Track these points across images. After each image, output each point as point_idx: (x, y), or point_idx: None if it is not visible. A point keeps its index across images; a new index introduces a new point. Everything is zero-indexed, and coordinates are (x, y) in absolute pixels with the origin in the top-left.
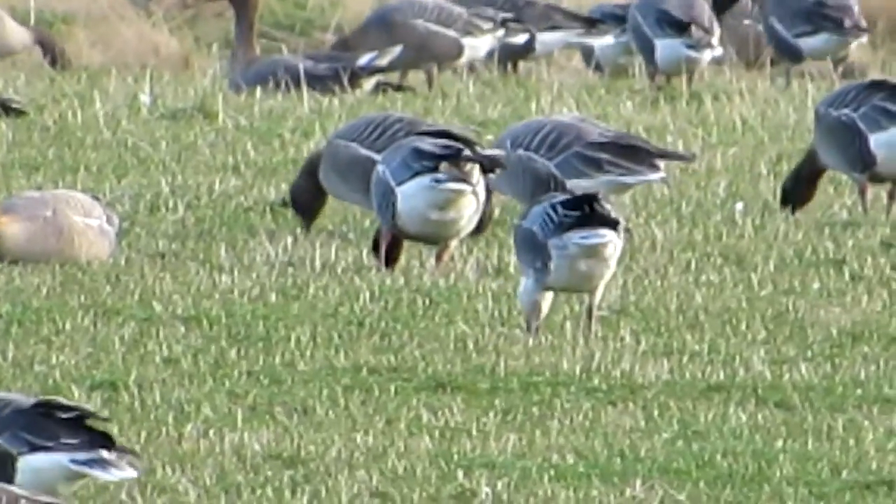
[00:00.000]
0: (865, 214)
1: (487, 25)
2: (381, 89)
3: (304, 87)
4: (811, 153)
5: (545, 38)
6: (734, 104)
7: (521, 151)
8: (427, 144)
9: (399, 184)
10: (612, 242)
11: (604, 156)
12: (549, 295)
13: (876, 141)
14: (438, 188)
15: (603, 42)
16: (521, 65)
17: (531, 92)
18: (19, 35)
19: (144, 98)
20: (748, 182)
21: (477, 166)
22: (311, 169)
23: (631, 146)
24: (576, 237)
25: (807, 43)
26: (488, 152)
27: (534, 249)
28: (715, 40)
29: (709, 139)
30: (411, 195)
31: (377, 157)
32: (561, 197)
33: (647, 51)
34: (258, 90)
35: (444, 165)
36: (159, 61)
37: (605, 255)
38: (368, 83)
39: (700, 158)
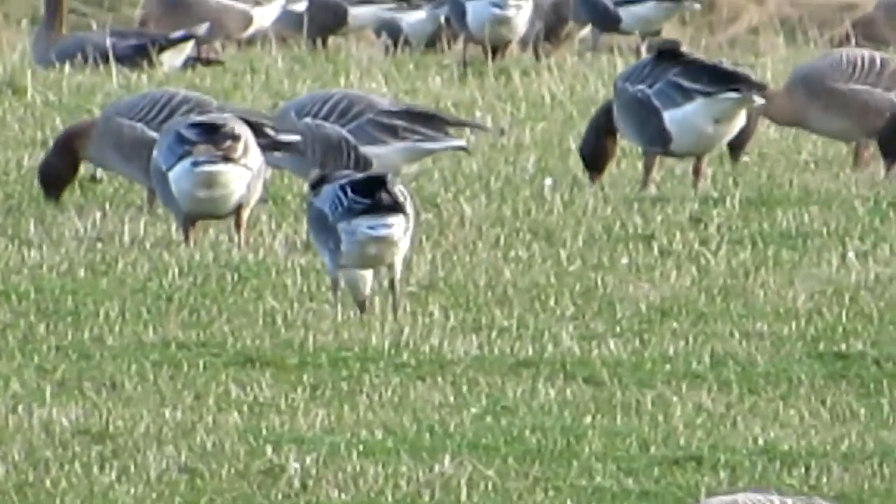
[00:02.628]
0: (644, 188)
1: None
2: (191, 64)
3: (113, 63)
4: (607, 109)
5: (358, 12)
6: (542, 79)
7: (308, 120)
8: (187, 129)
9: (169, 169)
10: (398, 228)
11: (399, 122)
12: (368, 273)
13: (670, 118)
14: (195, 171)
15: (414, 17)
16: (331, 40)
17: (340, 67)
18: None
19: None
20: (557, 157)
21: (240, 142)
22: (64, 145)
23: (425, 114)
24: (363, 226)
25: (630, 11)
26: (282, 138)
27: (325, 230)
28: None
29: (517, 114)
30: (178, 178)
31: None
32: (351, 177)
33: (460, 16)
34: (67, 66)
35: (198, 148)
36: None
37: (393, 240)
38: (178, 58)
39: (509, 134)
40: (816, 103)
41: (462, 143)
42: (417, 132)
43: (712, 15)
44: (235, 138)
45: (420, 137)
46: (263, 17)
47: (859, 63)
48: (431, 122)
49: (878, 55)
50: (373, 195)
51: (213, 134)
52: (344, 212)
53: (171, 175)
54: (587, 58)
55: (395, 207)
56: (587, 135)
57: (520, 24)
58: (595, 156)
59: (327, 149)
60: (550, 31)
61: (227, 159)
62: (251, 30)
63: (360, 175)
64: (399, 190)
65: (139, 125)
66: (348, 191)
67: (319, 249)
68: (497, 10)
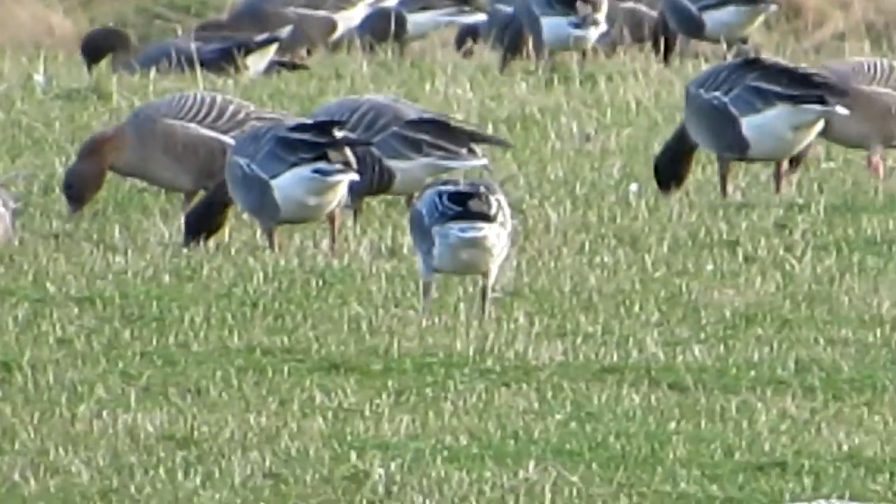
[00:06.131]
0: (724, 195)
1: None
2: (276, 69)
3: (198, 68)
4: (682, 130)
5: (417, 19)
6: (628, 85)
7: None
8: (294, 134)
9: (273, 176)
10: (489, 235)
11: (423, 137)
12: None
13: (749, 125)
14: (321, 179)
15: (475, 20)
16: (417, 45)
17: (426, 73)
18: None
19: (39, 78)
20: (642, 163)
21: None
22: (94, 153)
23: (450, 128)
24: (455, 228)
25: (712, 17)
26: (352, 136)
27: (422, 233)
28: (601, 17)
29: (603, 120)
30: (288, 186)
31: (225, 138)
32: (450, 186)
33: (534, 29)
34: (152, 71)
35: (333, 155)
36: (54, 42)
37: (485, 246)
38: (262, 62)
39: (594, 140)
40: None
41: (484, 161)
42: (441, 148)
43: (798, 21)
44: (348, 143)
45: (443, 154)
46: (350, 20)
47: (881, 67)
48: (456, 137)
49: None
50: (466, 203)
51: (325, 140)
52: (439, 216)
53: (278, 182)
54: (674, 64)
55: (485, 215)
56: (664, 154)
57: (593, 39)
58: (670, 173)
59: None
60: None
61: (347, 165)
62: (337, 34)
63: (459, 183)
64: (494, 199)
65: (192, 125)
66: (444, 197)
67: (416, 251)
68: (576, 31)
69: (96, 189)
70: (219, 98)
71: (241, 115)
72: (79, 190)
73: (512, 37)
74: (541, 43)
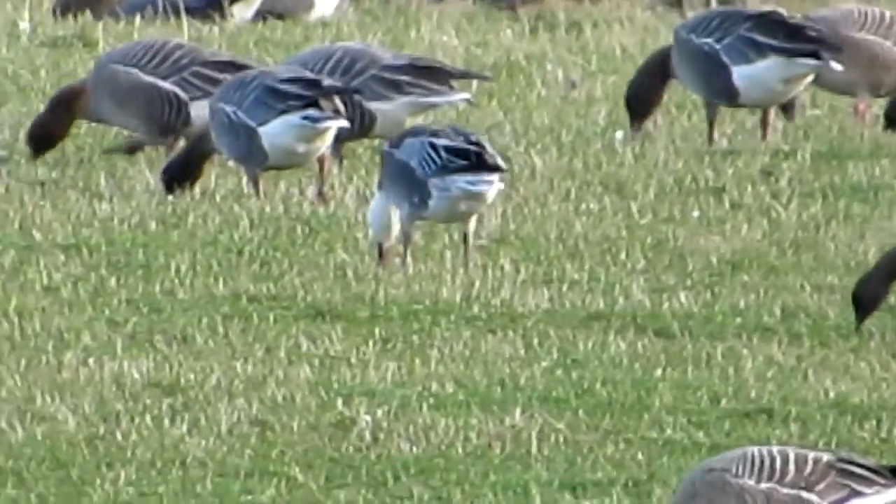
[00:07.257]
0: (711, 142)
1: None
2: (262, 17)
3: (184, 15)
4: (664, 57)
5: None
6: (614, 32)
7: None
8: (284, 85)
9: (261, 124)
10: (496, 186)
11: (403, 77)
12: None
13: (740, 74)
14: (311, 125)
15: None
16: None
17: (411, 20)
18: None
19: (24, 25)
20: None
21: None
22: (61, 105)
23: (428, 67)
24: (461, 181)
25: None
26: (335, 83)
27: (410, 184)
28: None
29: (588, 67)
30: (278, 133)
31: (164, 83)
32: (442, 140)
33: None
34: (138, 18)
35: (326, 103)
36: None
37: (487, 199)
38: (248, 11)
39: (580, 87)
40: None
41: (466, 95)
42: (421, 87)
43: None
44: (336, 91)
45: (424, 92)
46: (326, 6)
47: (870, 15)
48: (435, 75)
49: (887, 11)
50: (468, 154)
51: (315, 90)
52: (438, 168)
53: (266, 129)
54: (658, 11)
55: (498, 167)
56: (639, 78)
57: None
58: (643, 100)
59: None
60: None
61: (337, 113)
62: (314, 14)
63: (451, 133)
64: (494, 150)
65: (134, 70)
66: (442, 151)
67: (397, 202)
68: None
69: (59, 140)
70: (170, 43)
71: (185, 61)
72: (39, 141)
73: None
74: None
